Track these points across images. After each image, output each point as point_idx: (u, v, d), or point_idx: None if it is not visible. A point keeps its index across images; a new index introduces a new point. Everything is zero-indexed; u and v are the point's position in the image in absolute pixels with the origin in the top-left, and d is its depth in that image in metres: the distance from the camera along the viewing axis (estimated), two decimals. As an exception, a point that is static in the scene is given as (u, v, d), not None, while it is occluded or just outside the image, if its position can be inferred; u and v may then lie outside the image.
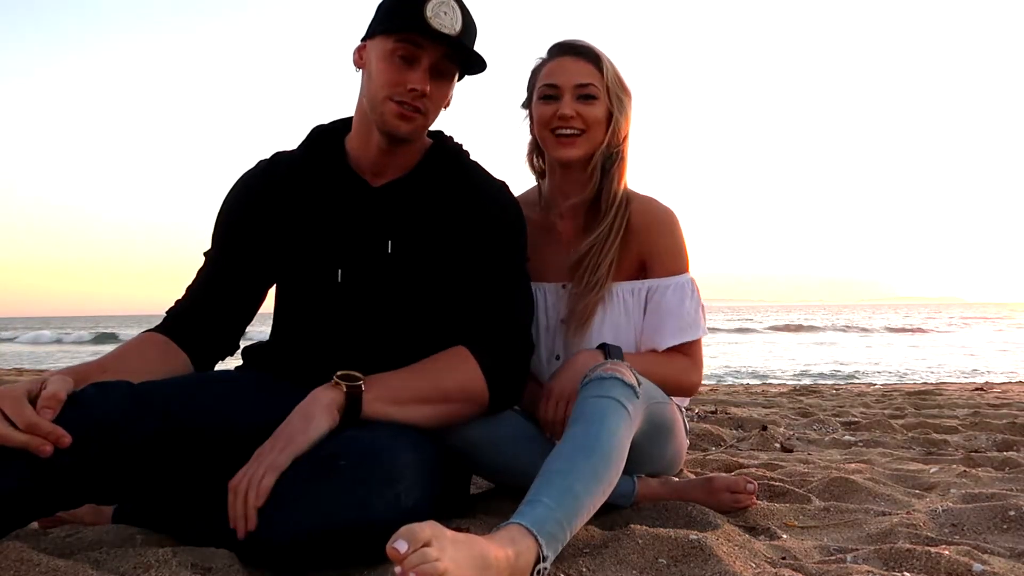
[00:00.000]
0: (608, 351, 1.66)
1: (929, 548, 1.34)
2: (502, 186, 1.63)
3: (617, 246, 1.77)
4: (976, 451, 2.73)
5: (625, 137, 1.82)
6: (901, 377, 10.37)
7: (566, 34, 2.56)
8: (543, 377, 1.81)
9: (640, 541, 1.34)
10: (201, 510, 1.34)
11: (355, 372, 1.36)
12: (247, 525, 1.20)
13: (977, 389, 6.13)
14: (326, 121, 1.65)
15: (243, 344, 1.68)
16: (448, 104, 1.55)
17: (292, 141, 1.71)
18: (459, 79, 1.56)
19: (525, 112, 1.89)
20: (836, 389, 6.40)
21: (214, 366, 1.63)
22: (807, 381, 9.64)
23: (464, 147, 1.65)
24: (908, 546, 1.36)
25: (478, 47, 1.51)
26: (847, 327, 31.42)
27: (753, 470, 2.25)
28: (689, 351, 1.78)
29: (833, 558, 1.38)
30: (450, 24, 1.43)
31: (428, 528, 1.01)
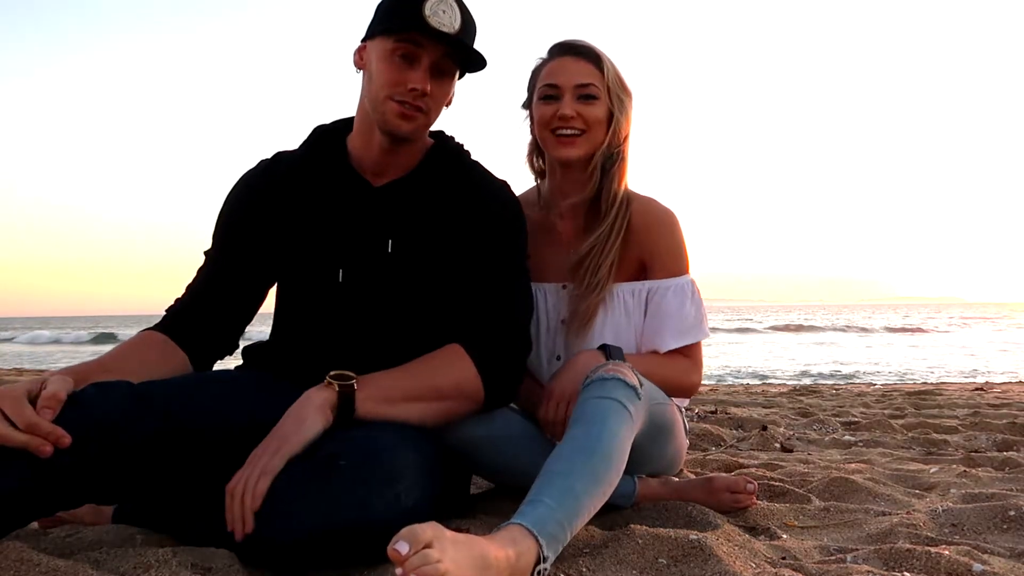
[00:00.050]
0: (609, 352, 1.66)
1: (929, 548, 1.34)
2: (503, 185, 1.63)
3: (618, 247, 1.77)
4: (976, 451, 2.73)
5: (626, 137, 1.82)
6: (901, 377, 10.37)
7: (566, 34, 2.56)
8: (543, 378, 1.81)
9: (640, 541, 1.34)
10: (201, 510, 1.34)
11: (348, 372, 1.36)
12: (244, 528, 1.21)
13: (977, 389, 6.13)
14: (326, 121, 1.65)
15: (242, 344, 1.68)
16: (450, 102, 1.56)
17: (292, 141, 1.71)
18: (460, 77, 1.56)
19: (525, 112, 1.89)
20: (836, 389, 6.40)
21: (213, 365, 1.62)
22: (807, 381, 9.64)
23: (465, 147, 1.65)
24: (908, 546, 1.36)
25: (478, 45, 1.52)
26: (847, 327, 31.42)
27: (753, 470, 2.25)
28: (689, 352, 1.78)
29: (833, 558, 1.38)
30: (449, 23, 1.43)
31: (429, 529, 1.01)
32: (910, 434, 3.18)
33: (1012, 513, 1.61)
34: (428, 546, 0.99)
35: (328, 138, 1.61)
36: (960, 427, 3.38)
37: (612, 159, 1.79)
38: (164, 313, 1.60)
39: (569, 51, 1.79)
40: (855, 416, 3.83)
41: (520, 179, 1.93)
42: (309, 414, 1.31)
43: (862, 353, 16.40)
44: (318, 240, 1.56)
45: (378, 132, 1.51)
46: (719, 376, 10.65)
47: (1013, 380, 8.42)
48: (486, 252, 1.54)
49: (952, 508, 1.69)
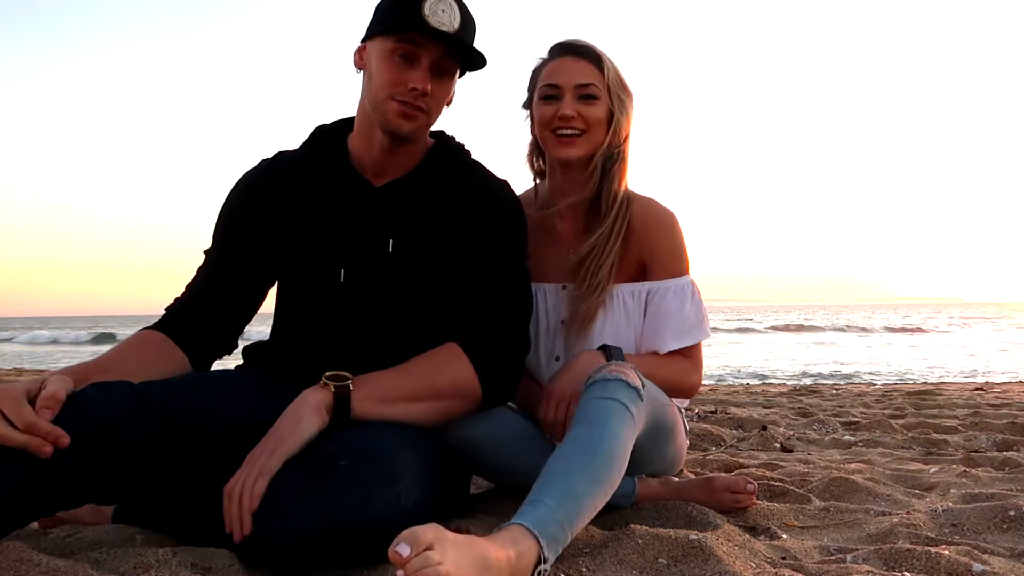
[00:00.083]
0: (610, 352, 1.66)
1: (929, 548, 1.34)
2: (503, 185, 1.63)
3: (618, 248, 1.77)
4: (976, 451, 2.73)
5: (626, 137, 1.82)
6: (901, 377, 10.37)
7: (567, 34, 2.56)
8: (542, 378, 1.81)
9: (640, 541, 1.34)
10: (201, 510, 1.34)
11: (344, 372, 1.36)
12: (242, 530, 1.21)
13: (977, 389, 6.13)
14: (327, 121, 1.65)
15: (242, 344, 1.68)
16: (450, 102, 1.56)
17: (292, 141, 1.71)
18: (460, 76, 1.56)
19: (525, 112, 1.89)
20: (836, 389, 6.40)
21: (212, 365, 1.62)
22: (807, 381, 9.64)
23: (466, 147, 1.65)
24: (908, 546, 1.36)
25: (477, 44, 1.51)
26: (847, 327, 31.41)
27: (753, 470, 2.25)
28: (689, 353, 1.78)
29: (833, 558, 1.38)
30: (448, 22, 1.43)
31: (430, 531, 1.01)
32: (910, 434, 3.18)
33: (1012, 513, 1.61)
34: (429, 548, 0.99)
35: (329, 138, 1.61)
36: (960, 427, 3.38)
37: (612, 159, 1.79)
38: (163, 312, 1.60)
39: (570, 51, 1.79)
40: (855, 416, 3.83)
41: (520, 179, 1.93)
42: (305, 415, 1.31)
43: (862, 353, 16.40)
44: (319, 240, 1.56)
45: (379, 132, 1.51)
46: (719, 376, 10.65)
47: (1013, 380, 8.42)
48: (486, 251, 1.54)
49: (952, 508, 1.69)
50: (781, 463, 2.40)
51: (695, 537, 1.33)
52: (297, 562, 1.20)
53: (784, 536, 1.56)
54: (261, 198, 1.60)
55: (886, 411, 4.13)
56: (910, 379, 9.82)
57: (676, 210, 1.83)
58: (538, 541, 1.12)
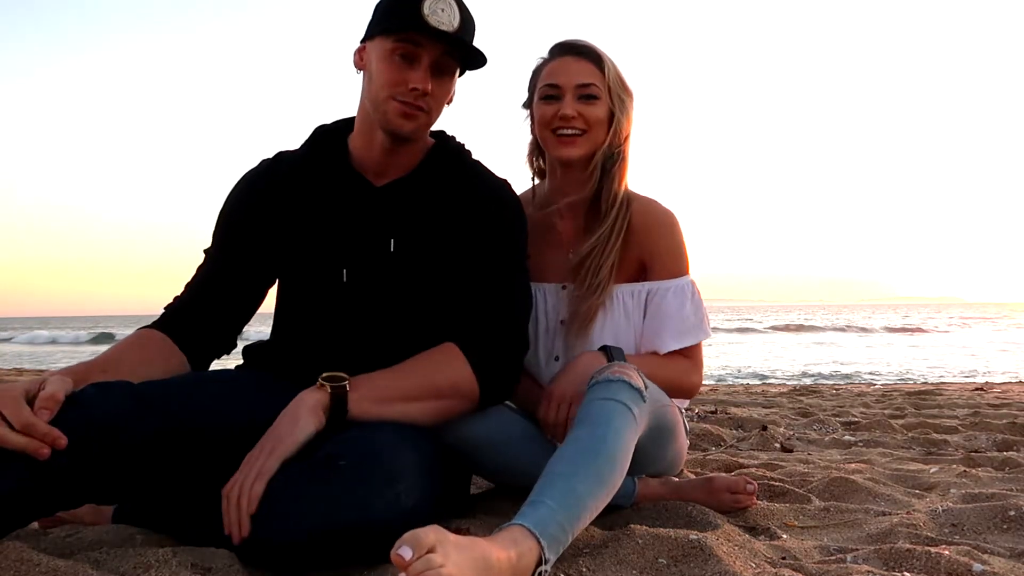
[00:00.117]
0: (611, 353, 1.66)
1: (929, 548, 1.34)
2: (503, 184, 1.63)
3: (618, 248, 1.77)
4: (976, 451, 2.73)
5: (626, 137, 1.82)
6: (901, 377, 10.37)
7: (567, 34, 2.56)
8: (542, 378, 1.81)
9: (640, 541, 1.34)
10: (201, 510, 1.34)
11: (340, 373, 1.36)
12: (241, 532, 1.21)
13: (977, 389, 6.13)
14: (327, 121, 1.65)
15: (242, 344, 1.68)
16: (451, 101, 1.56)
17: (292, 141, 1.71)
18: (460, 75, 1.56)
19: (526, 112, 1.89)
20: (836, 389, 6.39)
21: (210, 364, 1.62)
22: (807, 381, 9.64)
23: (466, 147, 1.65)
24: (908, 546, 1.36)
25: (477, 43, 1.51)
26: (847, 327, 31.41)
27: (753, 470, 2.25)
28: (690, 353, 1.78)
29: (833, 558, 1.38)
30: (448, 21, 1.43)
31: (432, 533, 1.01)
32: (910, 434, 3.18)
33: (1012, 513, 1.61)
34: (431, 551, 0.99)
35: (329, 138, 1.61)
36: (960, 427, 3.38)
37: (613, 159, 1.79)
38: (162, 311, 1.60)
39: (570, 51, 1.79)
40: (855, 416, 3.83)
41: (520, 179, 1.93)
42: (302, 415, 1.31)
43: (862, 353, 16.39)
44: (320, 240, 1.55)
45: (379, 132, 1.51)
46: (719, 376, 10.64)
47: (1013, 380, 8.42)
48: (486, 251, 1.54)
49: (952, 508, 1.69)
50: (781, 463, 2.40)
51: (695, 537, 1.33)
52: (297, 562, 1.20)
53: (784, 536, 1.56)
54: (262, 198, 1.60)
55: (886, 411, 4.13)
56: (910, 379, 9.82)
57: (676, 210, 1.83)
58: (539, 542, 1.12)
